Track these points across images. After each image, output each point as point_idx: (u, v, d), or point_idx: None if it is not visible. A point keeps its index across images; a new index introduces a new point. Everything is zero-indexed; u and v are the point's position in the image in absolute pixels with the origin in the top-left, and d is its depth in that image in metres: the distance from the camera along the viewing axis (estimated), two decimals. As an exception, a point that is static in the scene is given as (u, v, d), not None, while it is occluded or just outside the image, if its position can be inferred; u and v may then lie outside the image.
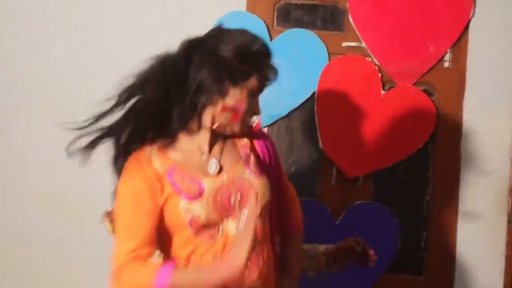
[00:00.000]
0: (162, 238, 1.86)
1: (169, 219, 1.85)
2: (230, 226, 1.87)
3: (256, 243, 1.75)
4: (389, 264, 3.10)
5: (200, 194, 1.84)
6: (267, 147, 2.06)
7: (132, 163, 1.85)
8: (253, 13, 3.09)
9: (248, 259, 1.70)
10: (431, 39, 3.10)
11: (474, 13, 3.09)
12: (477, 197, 3.10)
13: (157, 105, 1.85)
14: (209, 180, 1.86)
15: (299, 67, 3.08)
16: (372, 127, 3.10)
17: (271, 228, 2.03)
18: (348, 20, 3.11)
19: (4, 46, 3.08)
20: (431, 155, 3.14)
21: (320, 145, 3.09)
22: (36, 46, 3.06)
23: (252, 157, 1.95)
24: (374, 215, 3.12)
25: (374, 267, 2.83)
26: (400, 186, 3.16)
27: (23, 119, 3.06)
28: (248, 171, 1.92)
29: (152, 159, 1.85)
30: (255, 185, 1.89)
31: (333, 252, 2.27)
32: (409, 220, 3.14)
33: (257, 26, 3.05)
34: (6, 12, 3.06)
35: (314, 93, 3.09)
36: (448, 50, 3.11)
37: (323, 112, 3.10)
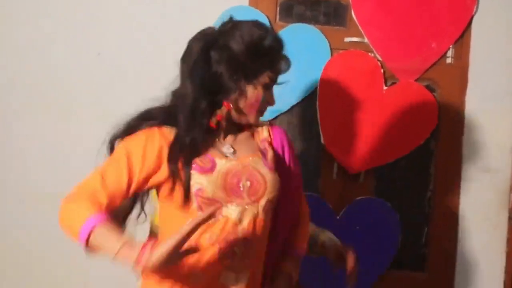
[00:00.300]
0: (169, 215, 1.93)
1: (178, 189, 1.87)
2: (232, 210, 1.89)
3: (181, 254, 1.69)
4: (390, 261, 3.10)
5: (211, 169, 1.88)
6: (282, 147, 2.07)
7: (149, 131, 1.90)
8: (256, 8, 3.05)
9: (159, 266, 1.64)
10: (434, 35, 3.07)
11: (477, 9, 3.06)
12: (478, 193, 3.09)
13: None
14: (222, 160, 1.91)
15: (301, 62, 3.03)
16: (374, 122, 3.08)
17: (274, 227, 2.04)
18: (351, 16, 3.08)
19: (5, 45, 3.03)
20: (432, 151, 3.13)
21: (322, 140, 3.06)
22: (37, 45, 3.02)
23: (270, 151, 2.01)
24: (375, 211, 3.11)
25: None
26: (402, 182, 3.15)
27: (24, 118, 3.03)
28: (263, 163, 1.96)
29: (172, 134, 1.89)
30: (266, 177, 1.94)
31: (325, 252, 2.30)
32: (410, 217, 3.13)
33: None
34: (7, 10, 3.01)
35: (316, 88, 3.06)
36: (451, 47, 3.09)
37: (324, 107, 3.07)
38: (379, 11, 3.07)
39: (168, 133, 1.90)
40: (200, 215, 1.70)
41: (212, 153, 1.92)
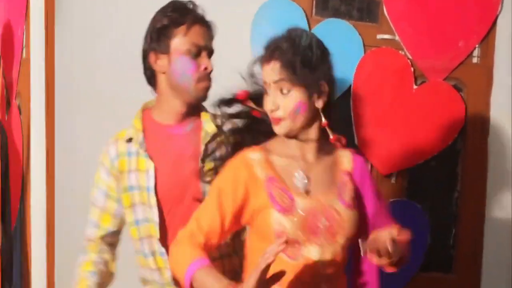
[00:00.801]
0: (251, 243, 1.94)
1: (259, 226, 1.87)
2: (312, 250, 1.85)
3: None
4: (421, 263, 3.05)
5: (291, 208, 1.84)
6: (362, 179, 1.96)
7: (235, 162, 1.90)
8: (293, 1, 2.95)
9: None
10: (461, 34, 3.06)
11: (501, 9, 3.08)
12: (505, 194, 3.09)
13: None
14: (302, 199, 1.86)
15: (336, 60, 2.92)
16: (405, 123, 3.03)
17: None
18: (383, 12, 3.00)
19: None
20: (459, 151, 3.11)
21: (355, 141, 2.96)
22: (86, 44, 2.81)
23: (349, 186, 1.91)
24: (406, 213, 3.04)
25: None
26: (431, 183, 3.11)
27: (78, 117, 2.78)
28: (340, 202, 1.89)
29: (255, 165, 1.87)
30: (344, 215, 1.88)
31: None
32: (439, 218, 3.10)
33: (296, 14, 2.94)
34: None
35: (350, 87, 2.96)
36: (477, 46, 3.08)
37: (358, 107, 2.99)
38: (410, 7, 3.02)
39: (251, 160, 1.88)
40: (270, 251, 1.66)
41: (288, 185, 1.86)
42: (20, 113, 3.04)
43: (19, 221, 2.92)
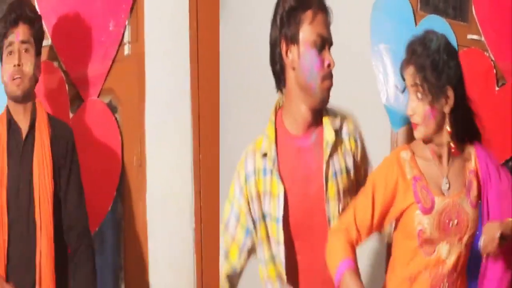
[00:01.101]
0: (396, 240, 2.07)
1: (404, 224, 2.01)
2: (443, 248, 2.00)
3: None
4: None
5: (431, 209, 1.97)
6: (488, 173, 2.07)
7: (389, 159, 2.04)
8: (403, -5, 2.87)
9: None
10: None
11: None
12: None
13: None
14: (439, 199, 1.99)
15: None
16: (486, 124, 3.00)
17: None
18: (472, 11, 2.99)
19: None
20: (528, 152, 3.15)
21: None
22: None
23: (474, 186, 2.04)
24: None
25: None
26: (507, 185, 3.12)
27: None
28: (467, 200, 2.02)
29: (405, 165, 2.00)
30: (470, 215, 2.02)
31: None
32: (513, 220, 3.11)
33: (404, 9, 2.90)
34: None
35: (444, 85, 2.91)
36: (542, 49, 3.15)
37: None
38: (494, 8, 3.02)
39: (402, 159, 2.01)
40: None
41: (431, 186, 1.99)
42: (115, 111, 2.81)
43: (113, 221, 2.64)
